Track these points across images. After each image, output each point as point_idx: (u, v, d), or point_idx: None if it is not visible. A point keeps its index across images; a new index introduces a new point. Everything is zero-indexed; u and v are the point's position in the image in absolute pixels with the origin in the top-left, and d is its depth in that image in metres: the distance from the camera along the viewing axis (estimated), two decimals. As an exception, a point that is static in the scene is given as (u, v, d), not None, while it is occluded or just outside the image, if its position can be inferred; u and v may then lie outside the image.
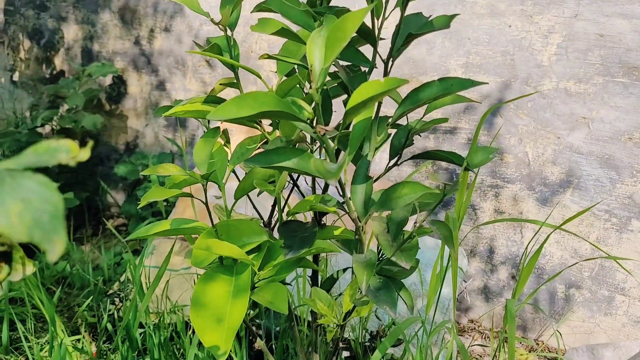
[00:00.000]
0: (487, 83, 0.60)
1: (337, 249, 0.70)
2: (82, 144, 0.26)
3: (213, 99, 0.63)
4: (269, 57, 0.55)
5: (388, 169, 0.68)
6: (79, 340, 1.34)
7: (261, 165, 0.46)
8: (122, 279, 1.45)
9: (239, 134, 1.59)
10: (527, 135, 1.53)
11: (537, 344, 1.62)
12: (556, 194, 1.52)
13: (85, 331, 1.36)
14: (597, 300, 1.53)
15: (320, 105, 0.50)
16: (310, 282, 0.88)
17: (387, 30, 1.34)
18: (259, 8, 0.67)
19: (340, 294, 0.89)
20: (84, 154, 0.28)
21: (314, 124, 0.46)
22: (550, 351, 1.60)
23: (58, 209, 0.24)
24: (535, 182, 1.54)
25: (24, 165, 0.25)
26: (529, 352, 1.58)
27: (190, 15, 1.98)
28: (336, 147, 0.60)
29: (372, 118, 0.50)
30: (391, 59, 0.59)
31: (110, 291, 1.43)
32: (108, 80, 2.18)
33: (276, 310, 0.59)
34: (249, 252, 0.66)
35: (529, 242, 1.18)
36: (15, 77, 2.47)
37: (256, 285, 0.66)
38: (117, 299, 1.42)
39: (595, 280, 1.52)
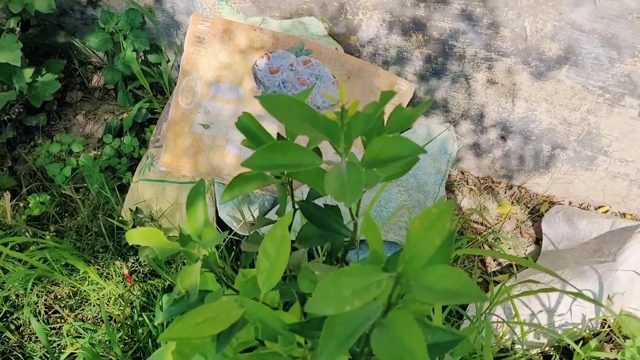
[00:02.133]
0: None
1: None
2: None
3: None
4: None
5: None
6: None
7: None
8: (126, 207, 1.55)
9: (212, 41, 1.44)
10: (527, 10, 1.38)
11: (520, 190, 1.77)
12: (552, 69, 1.46)
13: (106, 253, 1.53)
14: (580, 158, 1.61)
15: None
16: None
17: None
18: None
19: None
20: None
21: None
22: (531, 198, 1.76)
23: None
24: (532, 57, 1.45)
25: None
26: (512, 204, 1.74)
27: None
28: None
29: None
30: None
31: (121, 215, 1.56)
32: None
33: None
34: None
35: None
36: None
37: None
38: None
39: (581, 143, 1.58)
